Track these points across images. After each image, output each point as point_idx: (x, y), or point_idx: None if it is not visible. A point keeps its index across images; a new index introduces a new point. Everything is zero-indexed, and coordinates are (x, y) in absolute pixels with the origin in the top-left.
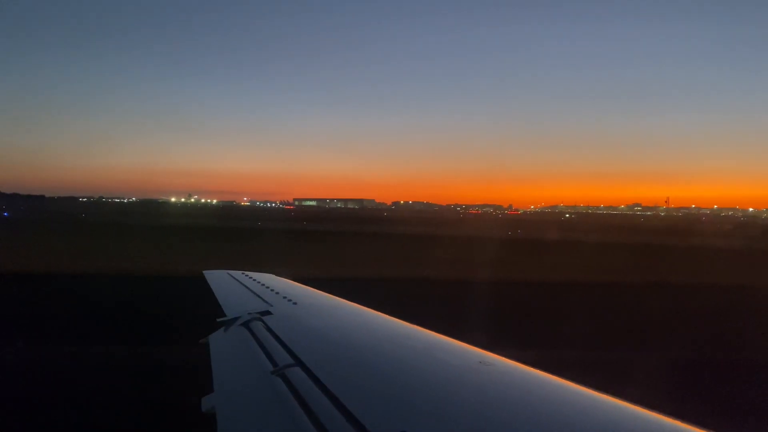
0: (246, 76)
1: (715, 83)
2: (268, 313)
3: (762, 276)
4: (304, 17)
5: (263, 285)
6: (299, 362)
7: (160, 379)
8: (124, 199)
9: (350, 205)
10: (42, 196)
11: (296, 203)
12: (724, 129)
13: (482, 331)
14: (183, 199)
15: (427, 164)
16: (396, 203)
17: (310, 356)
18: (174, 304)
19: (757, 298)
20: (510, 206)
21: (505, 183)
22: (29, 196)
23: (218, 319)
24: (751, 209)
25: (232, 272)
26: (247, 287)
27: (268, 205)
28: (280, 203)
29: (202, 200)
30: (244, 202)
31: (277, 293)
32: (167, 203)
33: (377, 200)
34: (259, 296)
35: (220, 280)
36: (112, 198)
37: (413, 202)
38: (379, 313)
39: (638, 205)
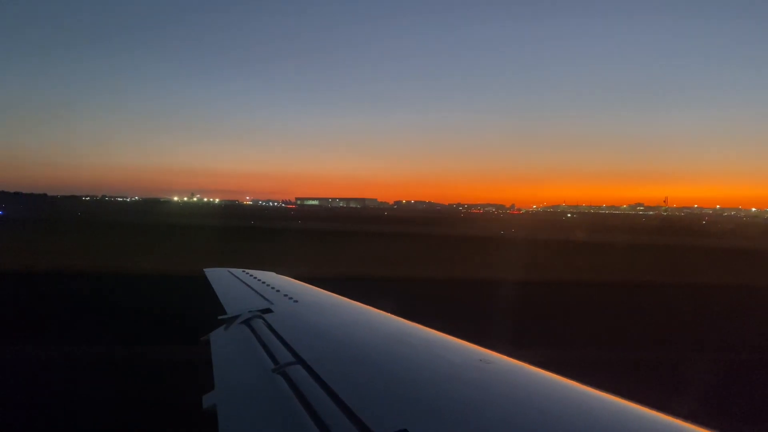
0: (249, 76)
1: (717, 83)
2: (269, 310)
3: None
4: (307, 17)
5: (264, 283)
6: (300, 360)
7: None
8: (127, 198)
9: (352, 205)
10: (44, 195)
11: (298, 203)
12: (726, 129)
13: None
14: (186, 199)
15: (429, 164)
16: (398, 203)
17: (311, 354)
18: (166, 303)
19: None
20: (512, 206)
21: (507, 183)
22: (32, 195)
23: (219, 317)
24: (753, 209)
25: (233, 270)
26: (248, 285)
27: (271, 204)
28: (282, 202)
29: (205, 199)
30: (247, 201)
31: (278, 291)
32: (169, 202)
33: (379, 199)
34: (260, 294)
35: (221, 277)
36: (115, 197)
37: (415, 202)
38: (380, 311)
39: (640, 205)
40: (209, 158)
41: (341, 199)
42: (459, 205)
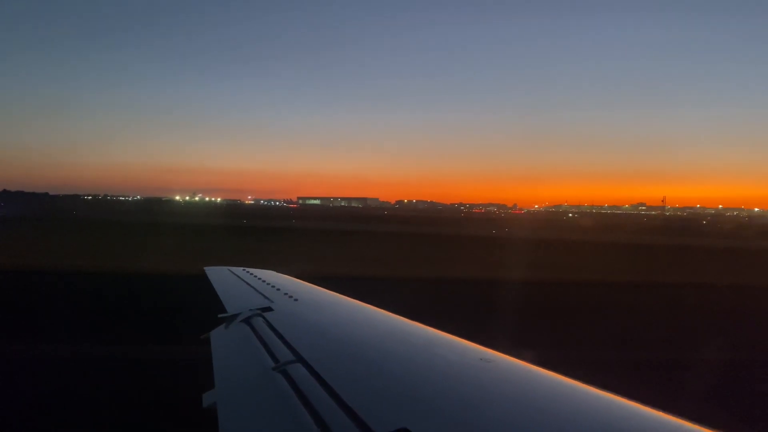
0: (251, 74)
1: (720, 81)
2: (269, 309)
3: None
4: (309, 15)
5: (264, 281)
6: (300, 358)
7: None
8: (128, 197)
9: (354, 204)
10: (46, 194)
11: (300, 202)
12: (729, 129)
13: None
14: (187, 198)
15: (430, 163)
16: (400, 202)
17: (311, 352)
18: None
19: None
20: (514, 205)
21: (509, 182)
22: (34, 194)
23: (219, 315)
24: (756, 209)
25: (233, 269)
26: (248, 284)
27: (272, 203)
28: (284, 202)
29: (207, 199)
30: (249, 200)
31: (278, 290)
32: (171, 201)
33: (381, 199)
34: (260, 292)
35: (221, 276)
36: (116, 196)
37: (417, 201)
38: (380, 310)
39: (642, 204)
40: (211, 157)
41: (343, 199)
42: (461, 204)
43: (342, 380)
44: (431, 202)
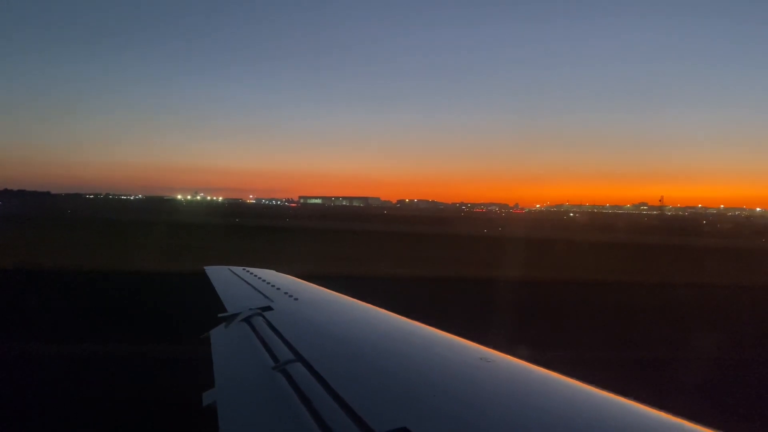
0: (253, 74)
1: (721, 81)
2: (269, 308)
3: None
4: (311, 15)
5: (264, 281)
6: (300, 358)
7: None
8: (130, 196)
9: (355, 203)
10: (48, 193)
11: (301, 201)
12: (730, 129)
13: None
14: (189, 197)
15: (432, 162)
16: (401, 201)
17: (311, 352)
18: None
19: None
20: (516, 205)
21: (510, 182)
22: (36, 193)
23: (219, 315)
24: (758, 209)
25: (233, 268)
26: (248, 283)
27: (274, 203)
28: (285, 201)
29: (209, 198)
30: (250, 199)
31: (278, 289)
32: (173, 200)
33: (382, 198)
34: (260, 292)
35: (221, 275)
36: (118, 195)
37: (418, 201)
38: (380, 309)
39: (644, 204)
40: (213, 156)
41: (344, 198)
42: (462, 204)
43: (342, 379)
44: (433, 201)
